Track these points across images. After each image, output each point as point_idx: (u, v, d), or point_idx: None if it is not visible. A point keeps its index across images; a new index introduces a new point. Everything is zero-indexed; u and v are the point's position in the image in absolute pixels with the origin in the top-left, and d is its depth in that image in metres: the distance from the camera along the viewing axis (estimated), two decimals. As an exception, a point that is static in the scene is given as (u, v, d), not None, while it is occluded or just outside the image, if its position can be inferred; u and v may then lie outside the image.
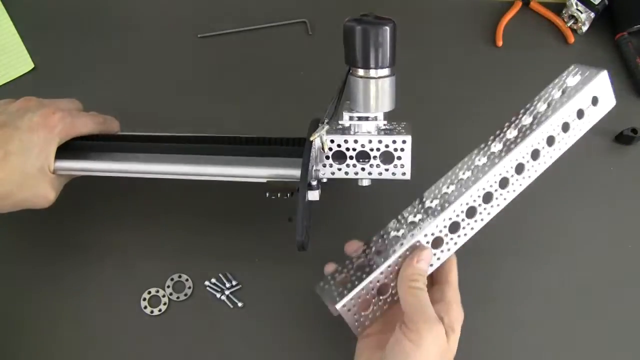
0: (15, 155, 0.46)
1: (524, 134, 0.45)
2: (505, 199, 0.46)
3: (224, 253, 0.58)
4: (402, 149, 0.47)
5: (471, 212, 0.45)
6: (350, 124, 0.48)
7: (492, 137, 0.47)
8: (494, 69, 0.66)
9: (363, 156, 0.48)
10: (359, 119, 0.47)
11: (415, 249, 0.45)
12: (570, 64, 0.65)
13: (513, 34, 0.67)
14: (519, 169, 0.45)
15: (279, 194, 0.47)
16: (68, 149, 0.50)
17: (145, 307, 0.55)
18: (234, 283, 0.56)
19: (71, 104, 0.54)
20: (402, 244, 0.45)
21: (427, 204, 0.47)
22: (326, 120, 0.45)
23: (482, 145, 0.48)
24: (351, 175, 0.49)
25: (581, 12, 0.66)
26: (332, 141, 0.48)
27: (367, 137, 0.47)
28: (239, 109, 0.65)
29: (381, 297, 0.46)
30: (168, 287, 0.56)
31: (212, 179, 0.50)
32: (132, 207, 0.60)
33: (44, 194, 0.49)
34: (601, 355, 0.53)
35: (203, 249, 0.58)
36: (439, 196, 0.47)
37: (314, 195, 0.46)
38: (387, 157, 0.48)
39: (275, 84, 0.66)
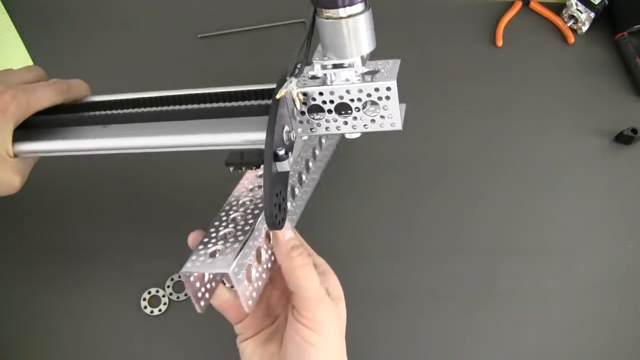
0: None
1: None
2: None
3: (224, 253, 0.58)
4: (387, 97, 0.40)
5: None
6: (324, 73, 0.41)
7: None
8: (494, 69, 0.66)
9: (344, 108, 0.41)
10: (334, 66, 0.40)
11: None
12: (570, 63, 0.65)
13: (513, 34, 0.67)
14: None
15: (243, 168, 0.39)
16: (29, 127, 0.46)
17: (145, 307, 0.55)
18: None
19: (29, 74, 0.48)
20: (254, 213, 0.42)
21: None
22: (295, 72, 0.39)
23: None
24: (333, 131, 0.43)
25: (581, 12, 0.66)
26: (304, 94, 0.41)
27: (344, 86, 0.40)
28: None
29: (260, 264, 0.43)
30: (168, 287, 0.56)
31: (170, 150, 0.44)
32: (132, 207, 0.60)
33: (8, 181, 0.45)
34: (601, 355, 0.53)
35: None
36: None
37: (282, 167, 0.39)
38: (372, 105, 0.42)
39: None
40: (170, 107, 0.46)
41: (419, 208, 0.59)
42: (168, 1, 0.73)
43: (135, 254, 0.58)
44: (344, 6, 0.36)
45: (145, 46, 0.70)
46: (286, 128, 0.41)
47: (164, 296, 0.56)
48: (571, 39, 0.67)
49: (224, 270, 0.39)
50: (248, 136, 0.41)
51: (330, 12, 0.37)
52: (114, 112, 0.47)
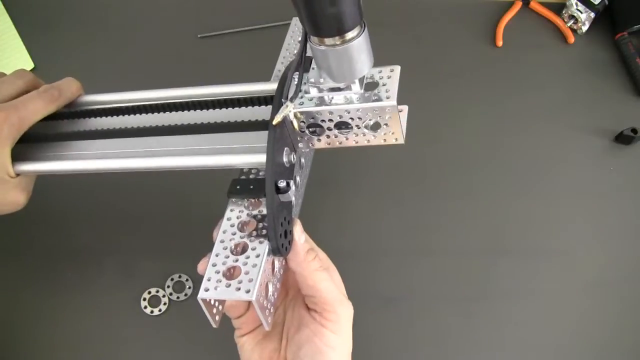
0: None
1: None
2: None
3: (224, 253, 0.58)
4: (388, 117, 0.38)
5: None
6: (321, 95, 0.39)
7: None
8: (494, 69, 0.66)
9: (344, 125, 0.40)
10: (330, 89, 0.38)
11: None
12: (570, 63, 0.65)
13: (513, 34, 0.67)
14: None
15: (244, 199, 0.39)
16: (26, 141, 0.45)
17: (145, 307, 0.55)
18: (234, 283, 0.56)
19: (18, 82, 0.46)
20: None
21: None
22: (289, 96, 0.37)
23: None
24: (335, 145, 0.42)
25: (581, 12, 0.66)
26: (301, 114, 0.39)
27: (343, 107, 0.38)
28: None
29: (274, 275, 0.41)
30: (168, 287, 0.56)
31: (173, 170, 0.43)
32: (132, 207, 0.60)
33: (13, 200, 0.44)
34: (601, 355, 0.53)
35: (203, 248, 0.58)
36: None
37: (286, 197, 0.38)
38: (374, 123, 0.40)
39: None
40: (171, 114, 0.46)
41: (418, 207, 0.59)
42: (168, 1, 0.73)
43: (135, 254, 0.58)
44: (335, 35, 0.33)
45: (145, 46, 0.70)
46: (286, 150, 0.39)
47: (164, 296, 0.56)
48: (571, 39, 0.67)
49: (248, 298, 0.37)
50: (250, 158, 0.40)
51: (319, 41, 0.33)
52: (113, 126, 0.47)
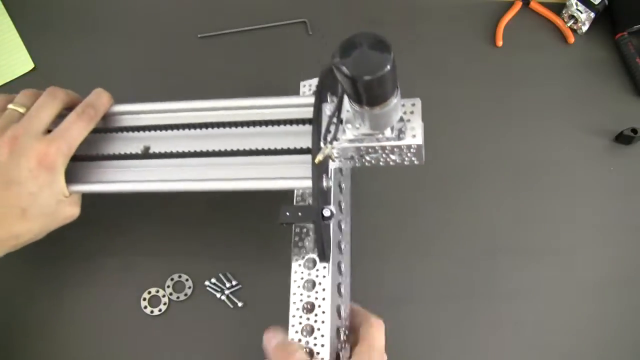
0: (30, 208, 0.46)
1: None
2: None
3: (224, 253, 0.58)
4: (413, 152, 0.44)
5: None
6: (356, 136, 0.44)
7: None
8: (494, 69, 0.66)
9: (373, 153, 0.45)
10: (364, 135, 0.43)
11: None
12: (570, 63, 0.65)
13: (513, 34, 0.67)
14: None
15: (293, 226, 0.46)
16: (75, 160, 0.49)
17: (145, 307, 0.55)
18: (234, 283, 0.56)
19: (55, 104, 0.49)
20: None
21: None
22: (329, 139, 0.42)
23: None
24: (360, 164, 0.46)
25: (581, 12, 0.66)
26: (339, 150, 0.44)
27: (374, 145, 0.43)
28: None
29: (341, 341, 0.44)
30: (168, 287, 0.56)
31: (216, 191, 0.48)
32: (132, 207, 0.60)
33: (70, 215, 0.50)
34: (601, 355, 0.53)
35: (203, 249, 0.58)
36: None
37: (329, 222, 0.44)
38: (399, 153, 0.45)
39: (275, 84, 0.66)
40: (207, 130, 0.49)
41: (417, 207, 0.59)
42: (168, 1, 0.73)
43: (135, 254, 0.58)
44: (373, 105, 0.36)
45: (145, 46, 0.70)
46: (324, 176, 0.44)
47: (164, 296, 0.56)
48: (571, 39, 0.67)
49: None
50: (294, 183, 0.45)
51: (359, 107, 0.37)
52: (147, 141, 0.51)
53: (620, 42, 0.66)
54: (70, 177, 0.48)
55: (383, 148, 0.43)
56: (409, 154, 0.44)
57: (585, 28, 0.67)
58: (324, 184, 0.44)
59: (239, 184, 0.47)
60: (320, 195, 0.43)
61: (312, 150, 0.43)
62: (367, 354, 0.42)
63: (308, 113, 0.46)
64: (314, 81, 0.57)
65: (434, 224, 0.58)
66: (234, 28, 0.70)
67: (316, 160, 0.42)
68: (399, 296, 0.55)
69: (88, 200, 0.60)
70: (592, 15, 0.66)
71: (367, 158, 0.45)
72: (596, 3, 0.66)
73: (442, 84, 0.66)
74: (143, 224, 0.59)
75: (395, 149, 0.43)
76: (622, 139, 0.61)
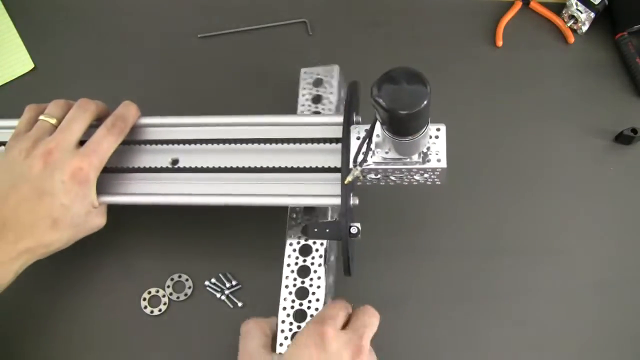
0: (61, 218, 0.47)
1: None
2: None
3: (224, 253, 0.58)
4: (437, 175, 0.47)
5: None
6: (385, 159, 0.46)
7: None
8: (494, 69, 0.66)
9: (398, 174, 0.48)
10: (393, 159, 0.45)
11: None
12: (570, 63, 0.65)
13: (513, 34, 0.67)
14: None
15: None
16: (103, 172, 0.50)
17: (145, 307, 0.55)
18: (234, 283, 0.56)
19: (86, 116, 0.49)
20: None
21: None
22: (359, 162, 0.44)
23: None
24: (384, 184, 0.49)
25: (581, 12, 0.66)
26: (367, 171, 0.47)
27: (401, 167, 0.46)
28: (240, 109, 0.65)
29: None
30: (168, 287, 0.56)
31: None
32: (132, 207, 0.60)
33: (97, 224, 0.51)
34: (601, 355, 0.53)
35: (203, 249, 0.58)
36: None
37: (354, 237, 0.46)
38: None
39: (276, 84, 0.66)
40: (231, 145, 0.51)
41: (418, 207, 0.59)
42: (168, 1, 0.73)
43: (135, 254, 0.58)
44: (407, 135, 0.39)
45: (145, 46, 0.70)
46: (352, 194, 0.47)
47: (164, 296, 0.56)
48: (571, 39, 0.67)
49: None
50: (323, 200, 0.47)
51: (393, 136, 0.40)
52: (182, 154, 0.52)
53: (620, 42, 0.66)
54: (99, 188, 0.49)
55: (409, 170, 0.45)
56: (433, 176, 0.47)
57: (585, 28, 0.67)
58: (351, 202, 0.46)
59: (267, 199, 0.49)
60: (348, 213, 0.45)
61: (342, 172, 0.45)
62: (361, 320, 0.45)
63: (332, 131, 0.49)
64: (314, 70, 0.58)
65: (434, 224, 0.58)
66: (234, 28, 0.70)
67: (345, 182, 0.44)
68: (399, 296, 0.55)
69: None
70: (592, 15, 0.66)
71: (392, 178, 0.48)
72: (596, 3, 0.66)
73: (442, 84, 0.66)
74: (143, 224, 0.59)
75: (420, 171, 0.46)
76: (622, 139, 0.61)
